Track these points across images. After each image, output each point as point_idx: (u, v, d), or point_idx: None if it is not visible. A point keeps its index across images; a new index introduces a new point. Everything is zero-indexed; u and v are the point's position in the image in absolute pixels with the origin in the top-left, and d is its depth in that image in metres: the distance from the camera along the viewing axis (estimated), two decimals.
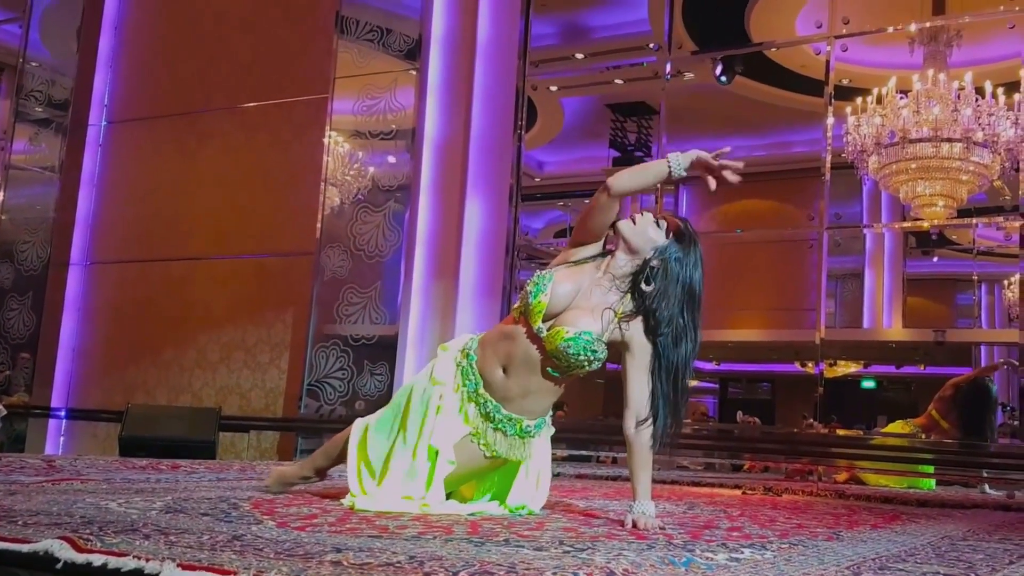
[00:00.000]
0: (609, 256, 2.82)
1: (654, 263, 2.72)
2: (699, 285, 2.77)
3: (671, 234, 2.78)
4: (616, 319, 2.72)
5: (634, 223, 2.78)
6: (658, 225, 2.79)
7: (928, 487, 5.73)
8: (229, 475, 3.90)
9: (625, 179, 2.79)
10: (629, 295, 2.74)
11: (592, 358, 2.70)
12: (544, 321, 2.73)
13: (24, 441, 7.56)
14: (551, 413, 2.93)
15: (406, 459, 2.75)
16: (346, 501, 2.78)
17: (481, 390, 2.78)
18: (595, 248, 2.87)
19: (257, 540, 1.90)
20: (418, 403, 2.80)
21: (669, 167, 2.74)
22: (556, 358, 2.71)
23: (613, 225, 2.81)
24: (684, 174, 2.76)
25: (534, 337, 2.73)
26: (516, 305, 2.85)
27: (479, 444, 2.77)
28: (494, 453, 2.79)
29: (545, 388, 2.78)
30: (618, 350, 2.78)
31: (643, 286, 2.72)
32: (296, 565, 1.60)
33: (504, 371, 2.78)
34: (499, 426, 2.78)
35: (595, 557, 1.92)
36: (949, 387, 6.32)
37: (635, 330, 2.74)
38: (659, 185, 7.14)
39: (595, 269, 2.80)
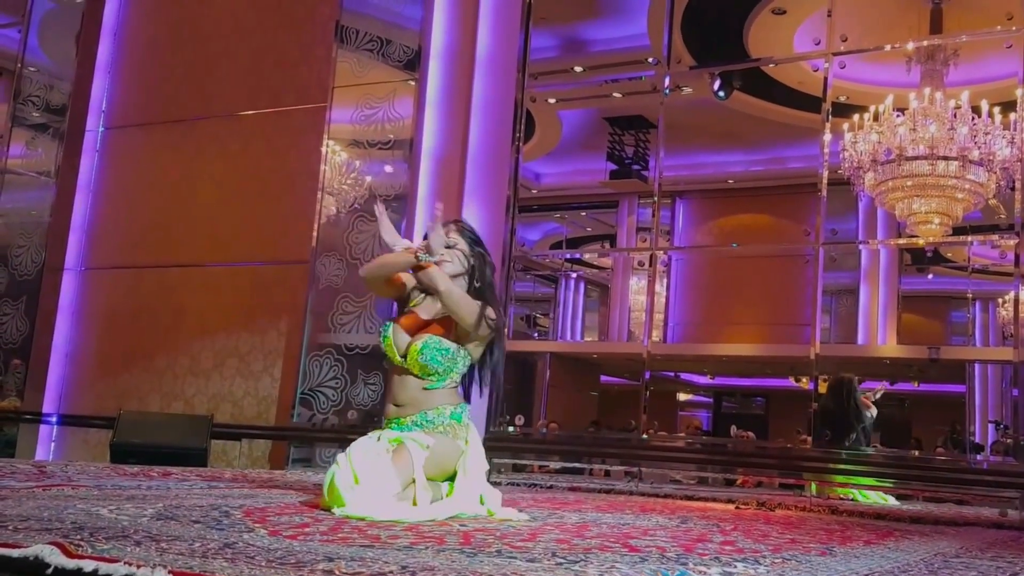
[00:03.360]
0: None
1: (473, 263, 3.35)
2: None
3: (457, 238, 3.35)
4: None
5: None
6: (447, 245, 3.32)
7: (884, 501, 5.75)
8: (220, 483, 3.89)
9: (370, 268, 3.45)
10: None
11: (447, 356, 3.20)
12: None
13: (15, 446, 7.52)
14: (463, 407, 3.30)
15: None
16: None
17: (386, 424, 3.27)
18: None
19: (249, 548, 1.89)
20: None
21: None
22: (421, 369, 3.21)
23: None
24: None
25: (403, 370, 3.25)
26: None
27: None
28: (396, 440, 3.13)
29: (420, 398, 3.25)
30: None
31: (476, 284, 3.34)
32: (288, 573, 1.59)
33: (395, 404, 3.27)
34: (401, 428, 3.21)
35: (588, 569, 1.91)
36: None
37: None
38: (655, 198, 7.17)
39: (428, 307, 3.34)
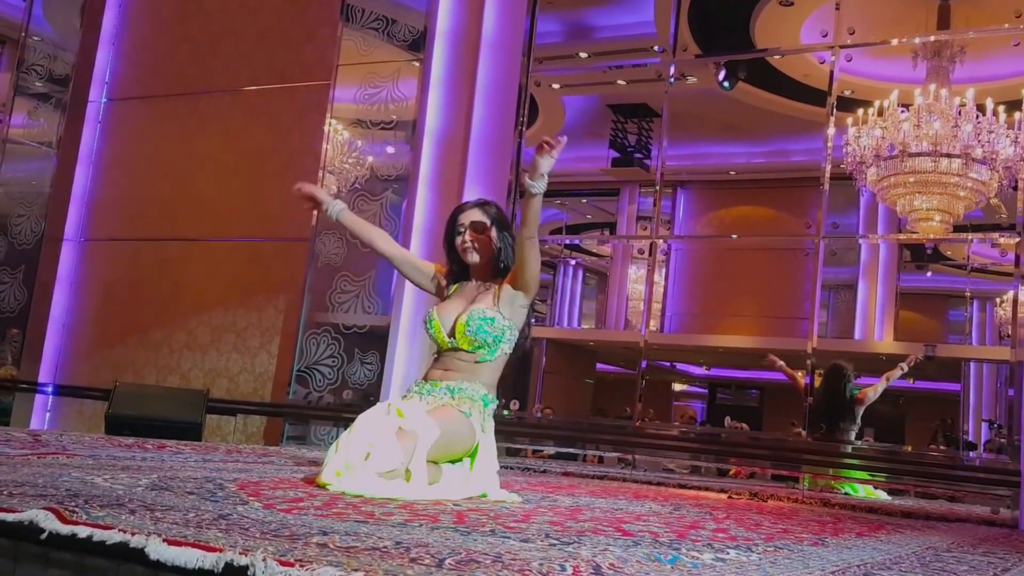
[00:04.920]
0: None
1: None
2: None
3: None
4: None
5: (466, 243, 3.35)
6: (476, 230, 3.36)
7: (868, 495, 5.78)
8: (215, 457, 3.89)
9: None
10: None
11: (493, 325, 3.23)
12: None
13: (10, 415, 7.52)
14: (494, 401, 3.29)
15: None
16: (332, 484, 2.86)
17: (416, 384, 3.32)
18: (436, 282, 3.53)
19: (243, 520, 1.89)
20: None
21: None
22: (471, 344, 3.24)
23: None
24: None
25: (452, 351, 3.29)
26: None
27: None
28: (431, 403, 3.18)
29: (471, 370, 3.27)
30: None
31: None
32: (282, 545, 1.59)
33: (444, 370, 3.30)
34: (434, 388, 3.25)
35: (581, 551, 1.91)
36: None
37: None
38: (657, 187, 7.16)
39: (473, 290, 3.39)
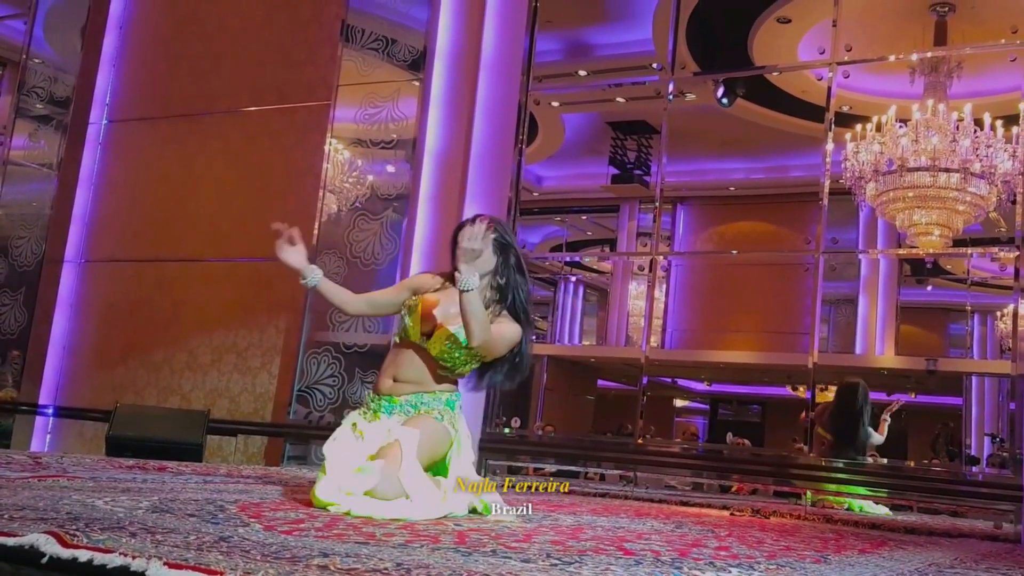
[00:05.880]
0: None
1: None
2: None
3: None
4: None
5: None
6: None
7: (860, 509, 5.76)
8: (216, 478, 3.89)
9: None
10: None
11: (468, 351, 3.17)
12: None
13: (10, 437, 7.51)
14: (458, 396, 3.29)
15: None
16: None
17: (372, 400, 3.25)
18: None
19: (244, 542, 1.89)
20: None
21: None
22: (440, 353, 3.19)
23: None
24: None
25: (417, 347, 3.23)
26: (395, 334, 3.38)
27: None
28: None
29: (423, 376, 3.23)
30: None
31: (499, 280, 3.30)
32: (283, 568, 1.59)
33: (393, 379, 3.24)
34: (392, 406, 3.19)
35: (583, 571, 1.91)
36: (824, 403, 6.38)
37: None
38: (656, 203, 7.17)
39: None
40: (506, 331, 3.22)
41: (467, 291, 3.00)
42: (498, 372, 3.34)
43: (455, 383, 3.30)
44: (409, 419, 3.14)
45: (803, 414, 6.26)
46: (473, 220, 3.21)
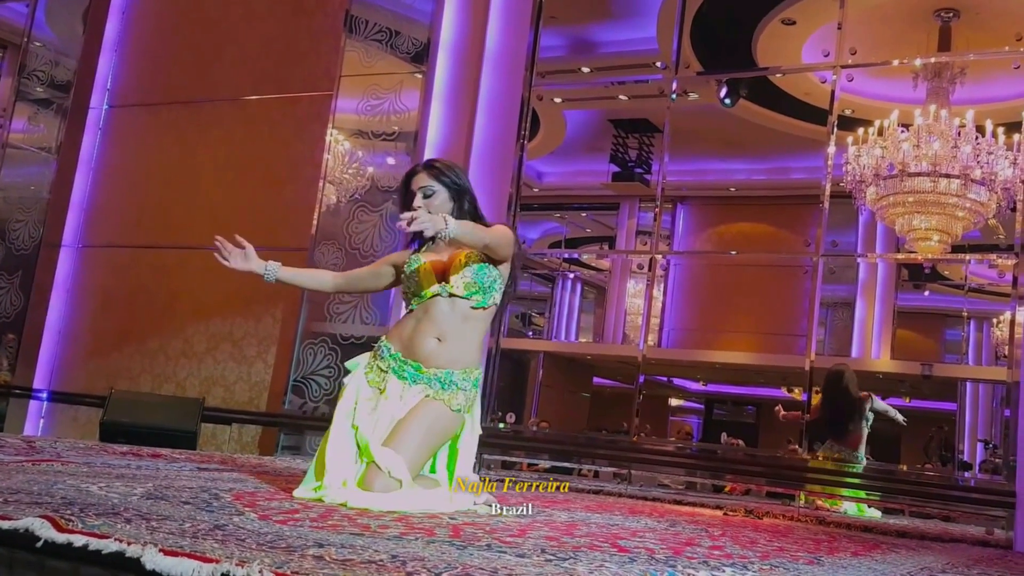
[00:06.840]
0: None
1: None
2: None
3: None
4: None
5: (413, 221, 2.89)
6: (425, 195, 3.17)
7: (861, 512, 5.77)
8: (210, 466, 3.88)
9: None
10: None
11: (488, 269, 3.10)
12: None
13: (3, 421, 7.50)
14: (480, 371, 3.19)
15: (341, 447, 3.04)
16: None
17: (393, 358, 3.12)
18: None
19: (239, 531, 1.88)
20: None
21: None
22: (467, 288, 3.08)
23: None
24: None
25: (442, 301, 3.10)
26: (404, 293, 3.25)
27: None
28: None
29: (461, 331, 3.11)
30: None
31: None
32: (279, 557, 1.59)
33: (438, 339, 3.10)
34: (409, 379, 3.07)
35: (577, 567, 1.91)
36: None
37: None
38: (657, 202, 7.17)
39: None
40: (496, 228, 3.13)
41: (455, 235, 2.88)
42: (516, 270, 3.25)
43: (483, 346, 3.22)
44: (429, 396, 3.03)
45: (805, 416, 6.24)
46: (407, 186, 3.20)
